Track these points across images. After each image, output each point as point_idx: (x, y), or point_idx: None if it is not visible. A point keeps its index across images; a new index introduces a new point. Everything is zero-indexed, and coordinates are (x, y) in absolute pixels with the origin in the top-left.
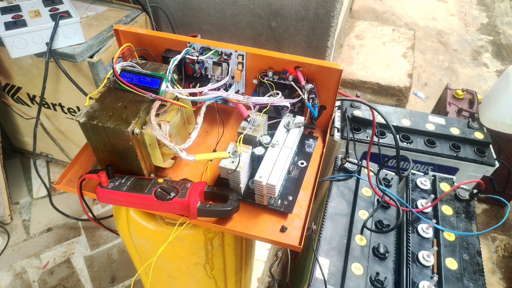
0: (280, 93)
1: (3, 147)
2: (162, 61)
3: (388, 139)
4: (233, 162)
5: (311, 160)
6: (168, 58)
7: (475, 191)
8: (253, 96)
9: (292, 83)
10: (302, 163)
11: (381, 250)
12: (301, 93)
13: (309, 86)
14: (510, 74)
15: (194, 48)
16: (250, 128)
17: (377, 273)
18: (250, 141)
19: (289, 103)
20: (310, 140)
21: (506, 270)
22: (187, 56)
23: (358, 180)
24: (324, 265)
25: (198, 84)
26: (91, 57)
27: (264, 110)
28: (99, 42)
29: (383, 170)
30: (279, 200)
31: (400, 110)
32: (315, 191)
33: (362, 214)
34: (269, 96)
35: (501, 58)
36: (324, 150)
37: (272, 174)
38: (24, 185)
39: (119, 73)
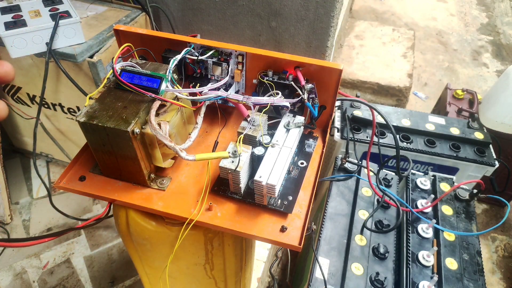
0: (280, 93)
1: (3, 147)
2: (162, 61)
3: (388, 139)
4: (233, 162)
5: (311, 160)
6: (168, 58)
7: (475, 191)
8: (253, 96)
9: (292, 83)
10: (302, 163)
11: (381, 250)
12: (301, 93)
13: (309, 86)
14: (510, 74)
15: (194, 48)
16: (250, 128)
17: (377, 273)
18: (250, 141)
19: (289, 103)
20: (310, 140)
21: (506, 270)
22: (187, 56)
23: (358, 180)
24: (324, 265)
25: (198, 84)
26: (91, 57)
27: (264, 110)
28: (99, 42)
29: (383, 170)
30: (279, 200)
31: (400, 110)
32: (315, 191)
33: (362, 214)
34: (269, 96)
35: (501, 58)
36: (324, 150)
37: (272, 174)
38: (24, 185)
39: (119, 73)
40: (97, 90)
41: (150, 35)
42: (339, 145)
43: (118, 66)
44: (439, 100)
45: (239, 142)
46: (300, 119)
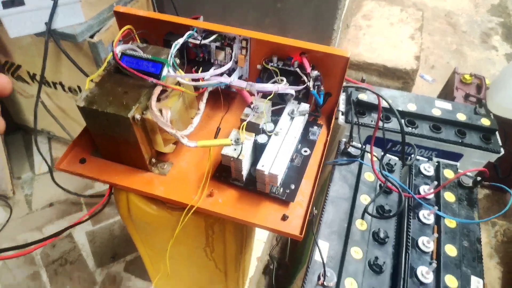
0: (284, 79)
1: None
2: (163, 44)
3: (393, 123)
4: (235, 150)
5: (314, 148)
6: (169, 41)
7: (478, 178)
8: (256, 82)
9: (297, 70)
10: (305, 151)
11: (381, 235)
12: (306, 80)
13: (315, 73)
14: None
15: (196, 32)
16: (253, 115)
17: (376, 258)
18: (253, 128)
19: (294, 90)
20: (314, 127)
21: (504, 255)
22: (190, 40)
23: (361, 165)
24: (324, 248)
25: (201, 69)
26: (92, 37)
27: (268, 98)
28: (100, 22)
29: (387, 155)
30: (281, 188)
31: (406, 94)
32: (318, 179)
33: (364, 199)
34: (273, 82)
35: (511, 40)
36: (328, 138)
37: (275, 163)
38: (26, 161)
39: (119, 56)
40: (97, 73)
41: (151, 17)
42: (343, 128)
43: (118, 50)
44: (446, 84)
45: (242, 130)
46: (305, 106)
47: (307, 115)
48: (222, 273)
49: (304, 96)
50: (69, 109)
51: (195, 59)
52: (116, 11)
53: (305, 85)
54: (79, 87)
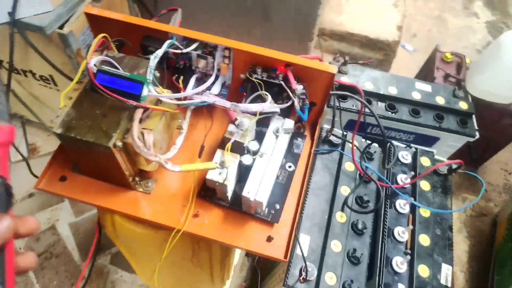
0: (269, 96)
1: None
2: (140, 50)
3: (375, 108)
4: (220, 174)
5: (299, 161)
6: (147, 47)
7: (454, 166)
8: (240, 90)
9: (282, 83)
10: (289, 166)
11: (360, 226)
12: (291, 95)
13: (300, 88)
14: (502, 43)
15: (176, 39)
16: (238, 132)
17: (354, 249)
18: (237, 147)
19: (279, 108)
20: (298, 139)
21: (471, 229)
22: (169, 49)
23: (341, 154)
24: (305, 242)
25: (181, 78)
26: (61, 27)
27: (254, 119)
28: (69, 9)
29: (366, 141)
30: (266, 209)
31: (387, 75)
32: (302, 195)
33: (344, 190)
34: (257, 96)
35: (492, 7)
36: (313, 150)
37: (260, 189)
38: None
39: (95, 72)
40: (71, 85)
41: (127, 21)
42: (325, 112)
43: (93, 63)
44: (427, 61)
45: (227, 151)
46: (289, 124)
47: (291, 132)
48: (208, 274)
49: (288, 108)
50: (42, 95)
51: (175, 66)
52: (88, 12)
53: (290, 101)
54: (51, 76)
